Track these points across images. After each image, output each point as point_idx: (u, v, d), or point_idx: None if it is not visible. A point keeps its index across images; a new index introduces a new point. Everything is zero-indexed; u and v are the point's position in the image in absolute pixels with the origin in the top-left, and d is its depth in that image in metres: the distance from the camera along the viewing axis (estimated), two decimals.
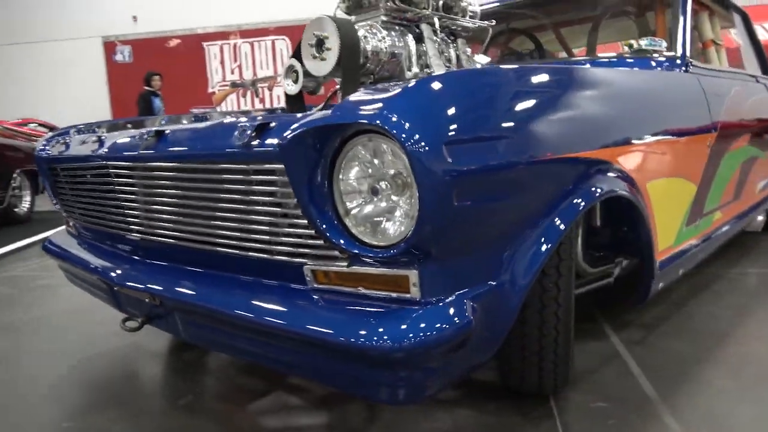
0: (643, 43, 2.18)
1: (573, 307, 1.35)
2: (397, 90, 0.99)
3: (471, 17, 2.21)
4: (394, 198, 1.03)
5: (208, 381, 1.74)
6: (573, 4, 3.06)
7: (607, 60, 2.38)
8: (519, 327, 1.29)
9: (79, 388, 1.73)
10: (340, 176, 1.05)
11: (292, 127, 1.03)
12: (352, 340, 1.00)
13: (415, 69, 2.00)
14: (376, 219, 1.04)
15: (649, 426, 1.34)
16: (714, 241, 2.31)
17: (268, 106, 11.44)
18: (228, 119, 1.34)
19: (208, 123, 1.37)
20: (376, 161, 1.03)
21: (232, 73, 12.84)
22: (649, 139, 1.60)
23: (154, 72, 8.38)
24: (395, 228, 1.02)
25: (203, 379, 1.74)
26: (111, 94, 12.84)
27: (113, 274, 1.52)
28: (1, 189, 5.20)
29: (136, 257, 1.58)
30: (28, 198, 5.69)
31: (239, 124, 1.15)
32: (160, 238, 1.47)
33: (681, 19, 2.27)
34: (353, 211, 1.06)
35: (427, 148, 0.92)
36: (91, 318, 2.33)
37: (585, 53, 3.05)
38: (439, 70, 2.00)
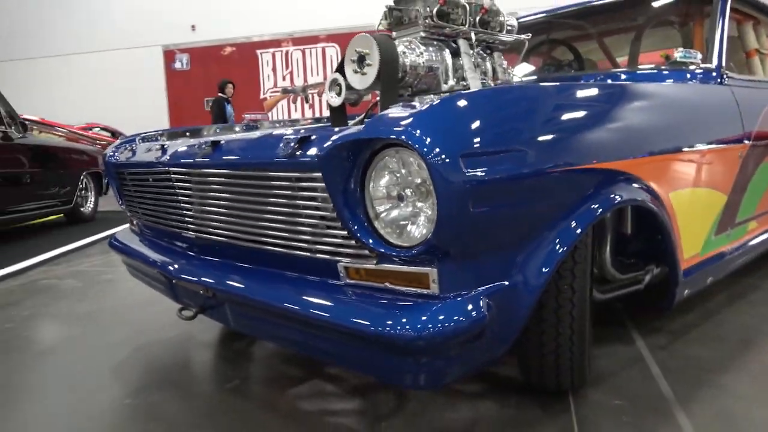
0: (678, 55, 2.23)
1: (588, 308, 1.43)
2: (421, 108, 1.12)
3: (509, 31, 2.30)
4: (418, 204, 1.15)
5: (253, 368, 1.90)
6: (615, 14, 3.10)
7: (642, 72, 2.43)
8: (537, 325, 1.39)
9: (138, 371, 1.92)
10: (371, 184, 1.18)
11: (329, 141, 1.17)
12: (380, 329, 1.13)
13: (452, 82, 2.11)
14: (401, 222, 1.17)
15: (662, 424, 1.41)
16: (750, 250, 2.32)
17: (317, 111, 11.71)
18: (274, 132, 1.49)
19: (257, 135, 1.53)
20: (402, 171, 1.16)
21: (284, 79, 13.20)
22: (673, 151, 1.67)
23: (228, 80, 8.76)
24: (418, 230, 1.14)
25: (249, 367, 1.91)
26: (169, 100, 13.39)
27: (171, 268, 1.70)
28: (70, 190, 5.59)
29: (191, 253, 1.76)
30: (92, 198, 6.08)
31: (284, 137, 1.30)
32: (213, 237, 1.64)
33: (717, 31, 2.29)
34: (382, 215, 1.19)
35: (446, 160, 1.04)
36: (150, 310, 2.54)
37: (627, 63, 3.09)
38: (474, 83, 2.10)
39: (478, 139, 1.10)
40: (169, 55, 13.16)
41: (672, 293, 1.81)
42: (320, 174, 1.19)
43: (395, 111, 1.17)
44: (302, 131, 1.30)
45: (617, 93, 1.57)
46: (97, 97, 15.63)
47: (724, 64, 2.21)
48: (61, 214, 5.71)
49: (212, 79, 11.98)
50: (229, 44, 12.90)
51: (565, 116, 1.31)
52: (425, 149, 1.04)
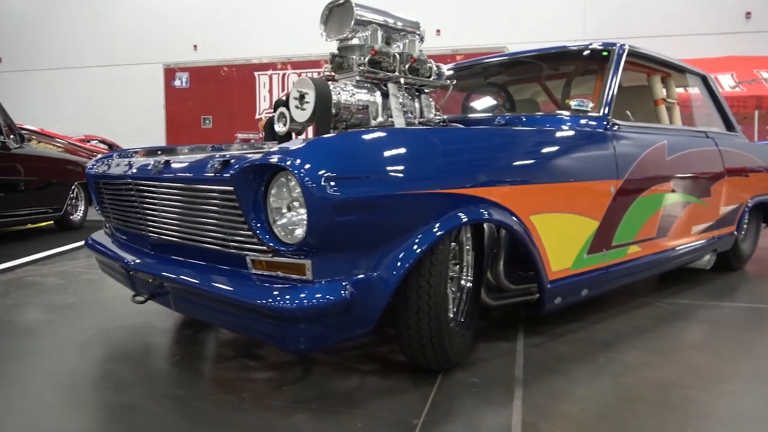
0: (573, 103, 2.67)
1: (444, 301, 1.81)
2: (304, 143, 1.53)
3: (438, 76, 2.74)
4: (301, 213, 1.56)
5: (195, 348, 2.28)
6: (549, 63, 3.54)
7: (543, 116, 2.85)
8: (403, 312, 1.79)
9: (101, 347, 2.31)
10: (271, 197, 1.59)
11: (240, 164, 1.58)
12: (272, 303, 1.53)
13: (381, 119, 2.54)
14: (290, 227, 1.58)
15: (500, 394, 1.80)
16: (634, 270, 2.72)
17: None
18: (209, 155, 1.90)
19: (195, 156, 1.94)
20: (292, 188, 1.57)
21: None
22: (534, 181, 2.08)
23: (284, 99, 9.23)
24: (300, 232, 1.55)
25: (192, 347, 2.29)
26: (167, 116, 13.78)
27: (129, 262, 2.10)
28: (61, 198, 5.99)
29: (146, 250, 2.16)
30: (82, 207, 6.48)
31: (212, 159, 1.71)
32: (163, 236, 2.04)
33: (607, 85, 2.73)
34: (277, 221, 1.59)
35: (315, 182, 1.45)
36: (120, 303, 2.93)
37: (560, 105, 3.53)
38: (398, 120, 2.53)
39: (342, 167, 1.52)
40: (170, 73, 13.60)
41: (541, 299, 2.21)
42: (233, 188, 1.60)
43: (290, 144, 1.58)
44: (227, 155, 1.72)
45: (483, 135, 2.00)
46: (98, 110, 16.19)
47: (610, 113, 2.64)
48: (51, 221, 6.10)
49: (210, 97, 12.49)
50: (228, 65, 13.31)
51: (421, 151, 1.74)
52: (301, 174, 1.45)
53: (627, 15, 13.16)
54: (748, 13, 12.94)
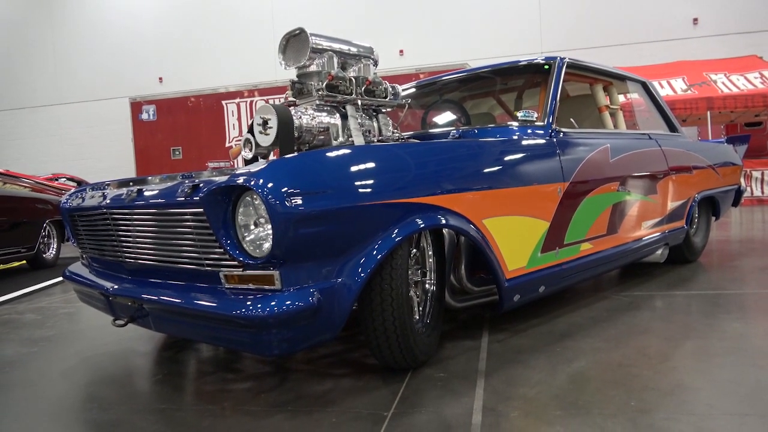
0: (520, 114, 2.86)
1: (407, 304, 1.94)
2: (265, 164, 1.68)
3: (393, 96, 2.93)
4: (267, 228, 1.69)
5: (176, 367, 2.38)
6: (501, 78, 3.75)
7: (494, 127, 3.04)
8: (369, 315, 1.92)
9: (84, 372, 2.39)
10: (238, 215, 1.73)
11: (208, 187, 1.72)
12: (246, 313, 1.66)
13: (341, 139, 2.70)
14: (258, 242, 1.71)
15: (463, 384, 1.94)
16: (590, 266, 2.90)
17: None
18: (176, 181, 2.04)
19: (165, 183, 2.07)
20: (258, 206, 1.71)
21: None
22: (483, 188, 2.25)
23: None
24: (267, 246, 1.68)
25: (173, 366, 2.39)
26: (135, 149, 13.77)
27: (108, 288, 2.20)
28: (33, 237, 6.00)
29: (124, 276, 2.26)
30: (55, 245, 6.48)
31: (182, 184, 1.85)
32: (140, 261, 2.16)
33: (549, 97, 2.94)
34: (246, 237, 1.73)
35: (276, 198, 1.60)
36: (98, 332, 3.01)
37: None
38: (357, 139, 2.69)
39: (302, 184, 1.67)
40: (136, 107, 13.63)
41: (501, 297, 2.37)
42: (203, 209, 1.74)
43: (253, 166, 1.73)
44: (196, 180, 1.85)
45: (436, 148, 2.17)
46: (64, 148, 16.12)
47: (554, 121, 2.84)
48: (24, 261, 6.09)
49: (179, 128, 12.56)
50: (194, 95, 13.37)
51: (381, 166, 1.89)
52: (264, 192, 1.60)
53: (581, 28, 13.68)
54: (695, 20, 13.54)
